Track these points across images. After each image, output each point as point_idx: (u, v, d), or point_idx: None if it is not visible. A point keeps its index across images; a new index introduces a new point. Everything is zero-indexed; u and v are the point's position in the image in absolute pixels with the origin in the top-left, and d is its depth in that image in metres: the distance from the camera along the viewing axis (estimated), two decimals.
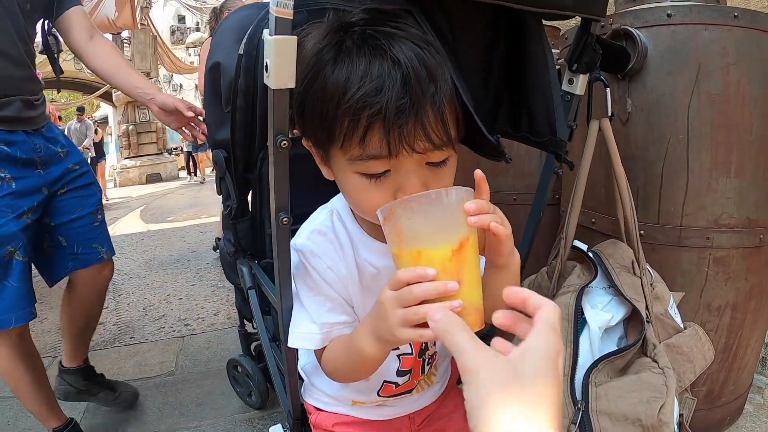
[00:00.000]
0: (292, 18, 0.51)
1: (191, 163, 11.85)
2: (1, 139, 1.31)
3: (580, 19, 0.78)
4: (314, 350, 0.70)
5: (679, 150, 1.16)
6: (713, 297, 1.18)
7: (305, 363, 0.85)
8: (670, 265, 1.17)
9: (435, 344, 0.79)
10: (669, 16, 1.16)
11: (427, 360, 0.79)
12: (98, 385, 1.71)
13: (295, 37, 0.51)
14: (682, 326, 0.91)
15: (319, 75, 0.55)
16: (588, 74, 0.86)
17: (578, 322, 0.81)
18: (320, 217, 0.72)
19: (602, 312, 0.82)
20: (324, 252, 0.68)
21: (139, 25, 10.84)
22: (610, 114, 0.97)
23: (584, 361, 0.78)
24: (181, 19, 18.42)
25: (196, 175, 11.68)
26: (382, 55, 0.53)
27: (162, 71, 15.08)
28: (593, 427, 0.70)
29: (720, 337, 1.21)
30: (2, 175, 1.30)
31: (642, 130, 1.19)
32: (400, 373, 0.76)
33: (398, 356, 0.75)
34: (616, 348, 0.82)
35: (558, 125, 0.70)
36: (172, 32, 17.69)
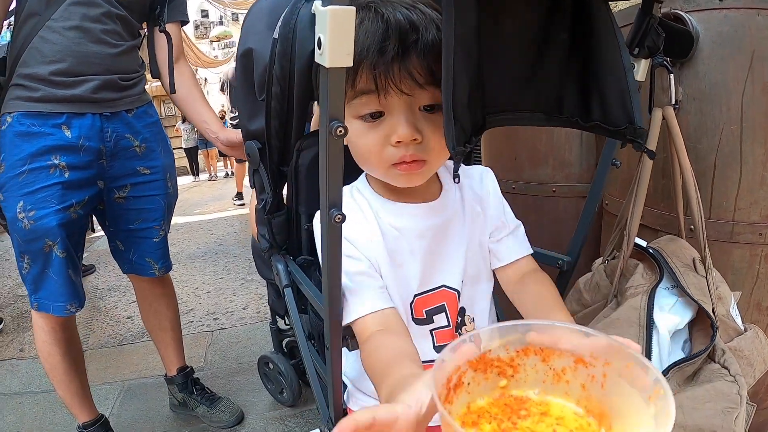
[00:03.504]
0: None
1: (193, 162, 10.90)
2: (63, 122, 1.25)
3: (640, 1, 0.74)
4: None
5: (733, 141, 1.10)
6: (764, 295, 1.13)
7: (349, 368, 0.83)
8: (721, 262, 1.11)
9: (473, 320, 0.78)
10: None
11: None
12: (196, 400, 1.64)
13: (354, 8, 0.46)
14: (742, 328, 0.86)
15: None
16: (650, 59, 0.81)
17: (651, 329, 0.76)
18: None
19: (670, 314, 0.78)
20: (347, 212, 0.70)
21: None
22: (674, 102, 0.92)
23: None
24: (204, 13, 18.54)
25: (198, 175, 10.90)
26: (375, 16, 0.61)
27: None
28: None
29: None
30: (56, 162, 1.24)
31: (694, 120, 1.13)
32: (438, 349, 0.75)
33: (431, 331, 0.75)
34: (681, 352, 0.77)
35: (635, 112, 0.64)
36: (196, 27, 17.84)
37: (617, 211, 1.20)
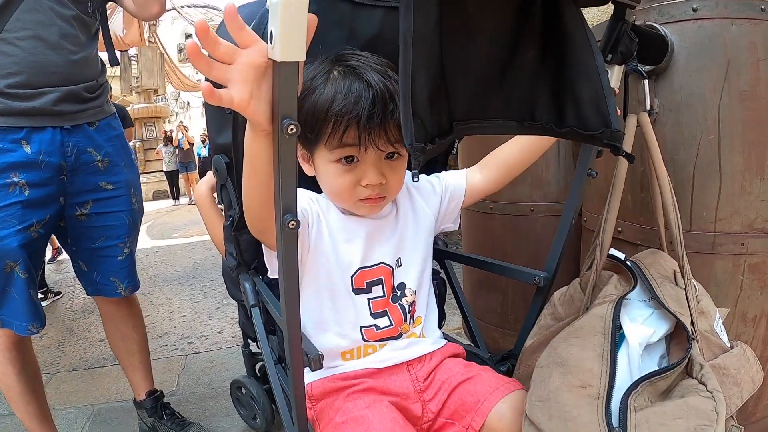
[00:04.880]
0: None
1: (173, 185, 10.64)
2: (23, 137, 1.18)
3: (613, 7, 0.72)
4: None
5: (711, 151, 1.08)
6: (748, 307, 1.11)
7: (315, 391, 0.84)
8: (703, 273, 1.09)
9: (415, 292, 0.91)
10: (695, 10, 1.10)
11: (407, 307, 0.90)
12: (165, 425, 1.55)
13: (307, 1, 0.43)
14: (728, 345, 0.82)
15: (313, 92, 0.76)
16: (623, 65, 0.80)
17: (616, 336, 0.72)
18: None
19: (643, 326, 0.74)
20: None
21: (146, 42, 10.95)
22: (649, 108, 0.90)
23: (622, 383, 0.69)
24: (189, 36, 18.61)
25: (178, 199, 10.59)
26: (359, 80, 0.75)
27: (169, 88, 15.22)
28: None
29: (755, 349, 1.11)
30: (15, 179, 1.17)
31: (671, 132, 1.12)
32: (375, 315, 0.87)
33: (368, 300, 0.87)
34: (656, 367, 0.73)
35: (611, 115, 0.62)
36: (180, 50, 17.88)
37: (596, 227, 1.18)
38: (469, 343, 1.17)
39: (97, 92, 1.32)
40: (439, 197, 0.99)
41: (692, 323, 0.76)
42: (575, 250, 1.46)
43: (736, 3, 1.10)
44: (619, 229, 1.22)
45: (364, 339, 0.87)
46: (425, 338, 0.92)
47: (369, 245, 0.88)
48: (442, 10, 0.60)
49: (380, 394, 0.83)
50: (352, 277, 0.86)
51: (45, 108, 1.20)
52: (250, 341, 1.52)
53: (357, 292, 0.87)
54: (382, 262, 0.89)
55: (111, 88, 1.43)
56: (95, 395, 1.96)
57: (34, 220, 1.21)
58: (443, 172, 1.04)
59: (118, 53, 1.43)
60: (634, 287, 0.78)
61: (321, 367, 0.69)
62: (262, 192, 0.62)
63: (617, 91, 0.82)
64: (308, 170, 0.84)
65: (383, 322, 0.88)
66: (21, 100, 1.17)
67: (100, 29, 1.37)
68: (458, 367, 0.88)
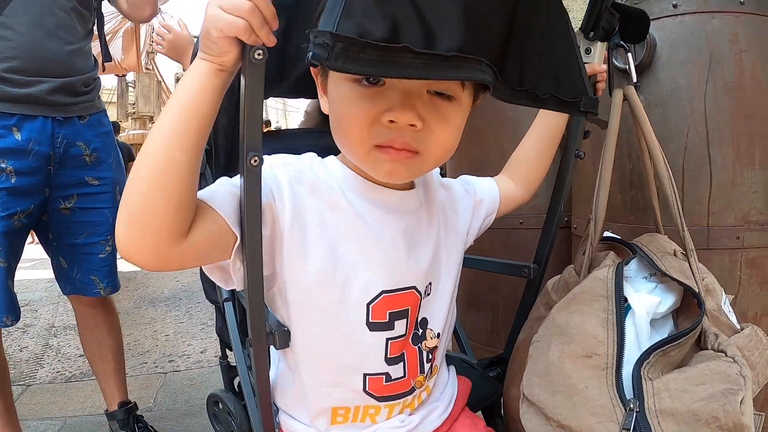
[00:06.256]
0: None
1: None
2: (14, 123, 1.17)
3: None
4: None
5: (699, 144, 1.07)
6: (749, 303, 1.06)
7: (279, 392, 0.71)
8: None
9: (438, 335, 0.68)
10: (675, 6, 1.11)
11: (426, 353, 0.67)
12: None
13: None
14: (738, 326, 0.76)
15: None
16: (606, 42, 0.80)
17: (621, 300, 0.65)
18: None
19: (648, 295, 0.68)
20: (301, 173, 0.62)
21: (144, 69, 11.05)
22: (635, 81, 0.88)
23: (630, 354, 0.62)
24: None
25: None
26: None
27: None
28: None
29: None
30: (2, 165, 1.15)
31: (658, 126, 1.09)
32: (390, 361, 0.63)
33: (387, 339, 0.63)
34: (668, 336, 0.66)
35: (586, 83, 0.62)
36: (177, 79, 18.11)
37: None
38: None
39: (90, 86, 1.32)
40: (470, 209, 0.78)
41: (699, 292, 0.70)
42: (566, 258, 1.42)
43: None
44: (610, 230, 1.19)
45: (366, 391, 0.64)
46: (437, 402, 0.73)
47: (400, 254, 0.63)
48: None
49: None
50: (369, 305, 0.61)
51: (39, 96, 1.19)
52: (228, 352, 1.45)
53: (374, 327, 0.62)
54: (414, 287, 0.65)
55: (101, 84, 1.43)
56: (68, 408, 1.91)
57: (18, 209, 1.19)
58: (467, 176, 0.86)
59: (114, 77, 1.47)
60: (633, 256, 0.73)
61: (287, 345, 0.60)
62: (183, 155, 0.47)
63: (603, 67, 0.80)
64: (325, 107, 0.62)
65: (397, 371, 0.64)
66: (16, 86, 1.17)
67: (96, 24, 1.39)
68: None
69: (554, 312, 0.71)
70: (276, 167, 0.59)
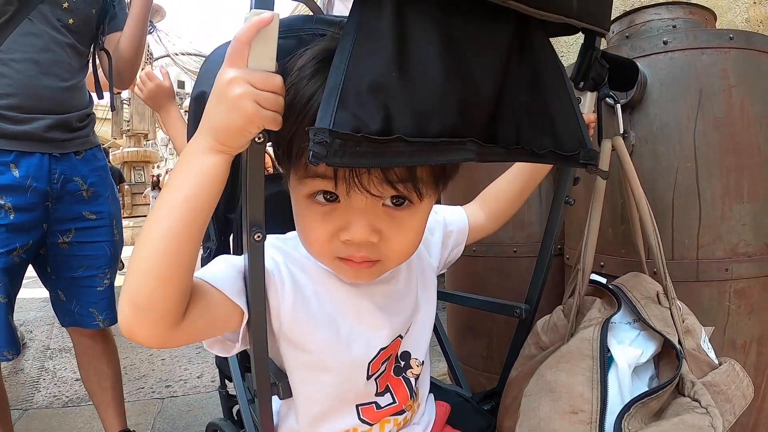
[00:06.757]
0: None
1: None
2: (12, 160, 1.18)
3: (583, 36, 0.73)
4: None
5: (689, 178, 1.09)
6: (737, 333, 1.09)
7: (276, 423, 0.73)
8: (689, 302, 1.06)
9: (421, 363, 0.73)
10: (665, 43, 1.14)
11: (413, 383, 0.73)
12: None
13: (278, 12, 0.43)
14: (716, 362, 0.80)
15: (293, 89, 0.51)
16: (596, 92, 0.81)
17: (605, 361, 0.69)
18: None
19: (630, 347, 0.71)
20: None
21: None
22: (622, 132, 0.91)
23: (613, 406, 0.66)
24: (181, 84, 18.94)
25: None
26: None
27: (160, 134, 15.35)
28: None
29: None
30: (1, 202, 1.16)
31: (648, 162, 1.13)
32: (378, 394, 0.68)
33: (375, 380, 0.67)
34: (647, 389, 0.70)
35: (585, 136, 0.62)
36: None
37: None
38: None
39: (85, 122, 1.34)
40: (440, 242, 0.82)
41: (679, 341, 0.73)
42: (559, 286, 1.44)
43: (705, 33, 1.15)
44: (602, 263, 1.22)
45: (360, 419, 0.68)
46: (415, 424, 0.76)
47: (387, 319, 0.67)
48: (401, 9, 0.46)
49: None
50: (370, 363, 0.66)
51: (36, 133, 1.21)
52: (227, 382, 1.46)
53: (370, 376, 0.67)
54: (399, 335, 0.70)
55: (95, 120, 1.45)
56: None
57: (17, 245, 1.20)
58: (437, 206, 0.88)
59: (107, 95, 1.46)
60: (618, 309, 0.76)
61: (290, 395, 0.64)
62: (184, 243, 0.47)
63: (592, 116, 0.82)
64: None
65: (386, 400, 0.70)
66: (13, 123, 1.18)
67: (91, 60, 1.40)
68: None
69: (543, 368, 0.75)
70: (272, 250, 0.63)
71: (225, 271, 0.56)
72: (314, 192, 0.54)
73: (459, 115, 0.48)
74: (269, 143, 0.52)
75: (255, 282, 0.53)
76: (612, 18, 1.33)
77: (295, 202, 0.59)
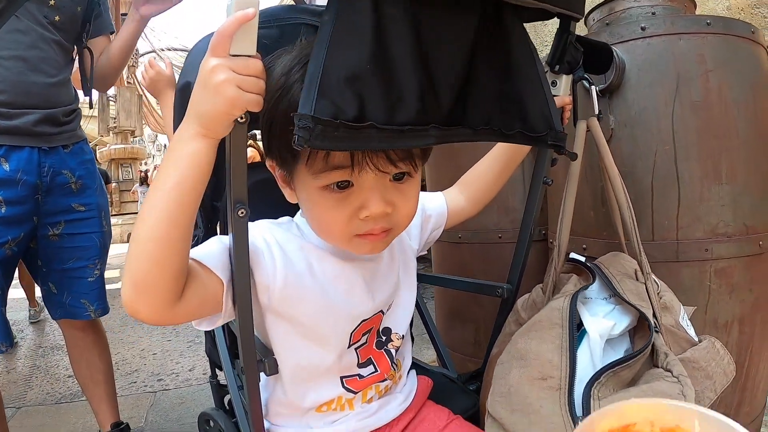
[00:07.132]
0: None
1: None
2: (2, 155, 1.20)
3: (558, 21, 0.75)
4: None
5: (668, 161, 1.11)
6: (719, 312, 1.11)
7: (272, 414, 0.77)
8: (670, 282, 1.09)
9: (402, 337, 0.78)
10: (643, 29, 1.15)
11: (393, 354, 0.78)
12: None
13: (258, 0, 0.46)
14: (696, 339, 0.82)
15: (287, 93, 0.55)
16: (571, 75, 0.83)
17: (574, 329, 0.71)
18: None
19: (603, 319, 0.73)
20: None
21: (125, 83, 11.00)
22: (597, 113, 0.93)
23: (584, 375, 0.68)
24: None
25: None
26: None
27: (147, 130, 15.21)
28: None
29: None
30: None
31: (627, 146, 1.15)
32: (361, 366, 0.74)
33: (356, 349, 0.73)
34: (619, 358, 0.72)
35: (554, 117, 0.65)
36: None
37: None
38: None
39: (71, 116, 1.36)
40: (419, 226, 0.87)
41: (654, 315, 0.75)
42: (544, 272, 1.47)
43: (683, 19, 1.16)
44: (584, 246, 1.23)
45: (344, 387, 0.73)
46: (398, 393, 0.81)
47: (370, 294, 0.73)
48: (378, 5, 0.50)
49: None
50: (352, 333, 0.71)
51: (25, 128, 1.23)
52: (217, 371, 1.47)
53: (351, 345, 0.73)
54: (381, 311, 0.75)
55: (81, 115, 1.47)
56: (60, 430, 1.91)
57: (9, 238, 1.22)
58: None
59: (95, 92, 1.47)
60: (592, 282, 0.78)
61: (276, 372, 0.66)
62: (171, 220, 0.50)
63: (568, 99, 0.84)
64: (290, 197, 0.67)
65: (368, 371, 0.75)
66: (2, 118, 1.20)
67: (77, 58, 1.42)
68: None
69: (516, 337, 0.77)
70: (264, 232, 0.68)
71: (213, 248, 0.60)
72: (330, 183, 0.59)
73: (424, 102, 0.53)
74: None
75: (240, 256, 0.55)
76: (593, 6, 1.35)
77: (307, 195, 0.62)
